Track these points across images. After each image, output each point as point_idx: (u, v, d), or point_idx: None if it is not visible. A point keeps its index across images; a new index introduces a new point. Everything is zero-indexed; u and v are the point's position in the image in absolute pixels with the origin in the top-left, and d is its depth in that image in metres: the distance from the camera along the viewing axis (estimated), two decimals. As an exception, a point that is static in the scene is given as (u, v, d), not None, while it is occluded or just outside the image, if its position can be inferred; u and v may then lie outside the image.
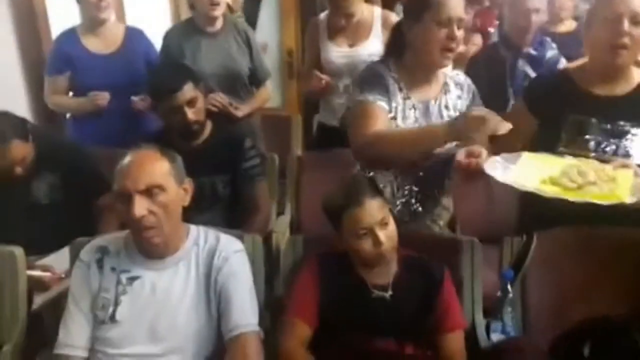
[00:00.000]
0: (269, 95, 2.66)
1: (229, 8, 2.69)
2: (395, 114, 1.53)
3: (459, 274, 1.50)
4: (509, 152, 1.64)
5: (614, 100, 1.56)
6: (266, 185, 1.96)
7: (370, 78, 1.56)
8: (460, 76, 1.67)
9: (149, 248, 1.36)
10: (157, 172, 1.32)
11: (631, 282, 1.52)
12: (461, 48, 3.27)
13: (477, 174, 1.42)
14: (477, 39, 4.06)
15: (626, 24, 1.47)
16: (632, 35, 1.48)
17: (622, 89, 1.57)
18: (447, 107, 1.59)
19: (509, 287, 1.44)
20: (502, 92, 2.35)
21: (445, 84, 1.61)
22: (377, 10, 2.38)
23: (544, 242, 1.54)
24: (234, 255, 1.41)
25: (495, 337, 1.41)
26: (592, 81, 1.59)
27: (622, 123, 1.53)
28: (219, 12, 2.32)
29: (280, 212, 2.36)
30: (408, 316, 1.38)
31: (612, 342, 1.38)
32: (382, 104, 1.51)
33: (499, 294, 1.44)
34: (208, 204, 1.83)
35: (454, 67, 3.26)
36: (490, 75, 2.34)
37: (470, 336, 1.44)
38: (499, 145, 1.74)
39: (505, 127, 1.31)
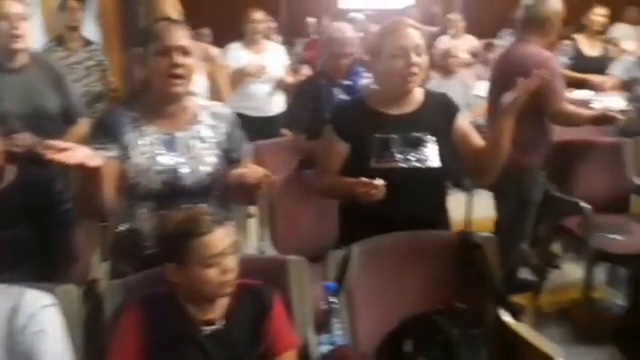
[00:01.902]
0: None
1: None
2: (128, 153, 1.53)
3: (288, 294, 1.53)
4: (326, 172, 1.78)
5: (405, 117, 1.79)
6: (84, 230, 1.82)
7: (95, 127, 1.61)
8: (223, 109, 1.70)
9: None
10: None
11: (439, 278, 1.69)
12: (290, 79, 3.45)
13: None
14: (306, 70, 4.31)
15: (414, 56, 1.69)
16: (419, 64, 1.71)
17: (409, 107, 1.81)
18: (194, 137, 1.60)
19: (333, 299, 1.49)
20: (321, 118, 2.50)
21: (196, 115, 1.62)
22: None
23: (364, 250, 1.65)
24: (42, 311, 1.28)
25: (325, 349, 1.45)
26: (385, 104, 1.80)
27: (415, 135, 1.76)
28: (21, 45, 2.14)
29: (105, 259, 2.19)
30: (241, 348, 1.36)
31: (429, 337, 1.51)
32: (101, 152, 1.48)
33: (324, 306, 1.49)
34: (11, 260, 1.63)
35: (287, 96, 3.39)
36: (313, 102, 2.53)
37: (304, 354, 1.47)
38: (319, 167, 1.88)
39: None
